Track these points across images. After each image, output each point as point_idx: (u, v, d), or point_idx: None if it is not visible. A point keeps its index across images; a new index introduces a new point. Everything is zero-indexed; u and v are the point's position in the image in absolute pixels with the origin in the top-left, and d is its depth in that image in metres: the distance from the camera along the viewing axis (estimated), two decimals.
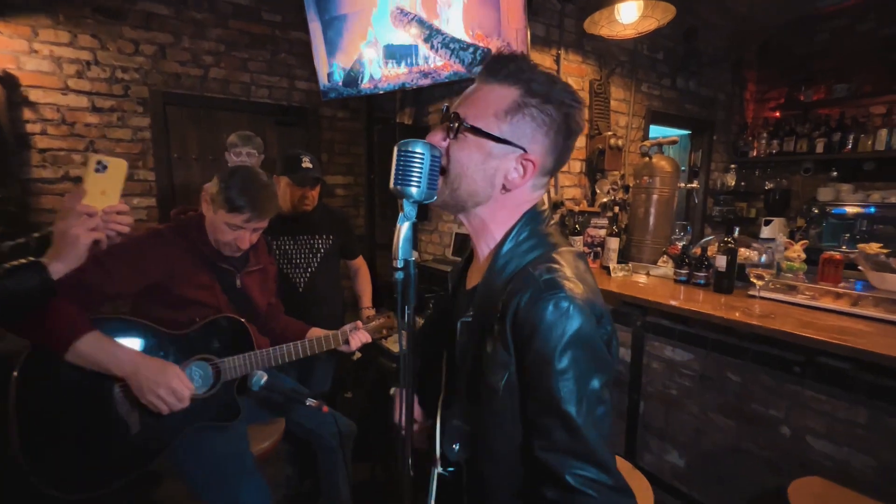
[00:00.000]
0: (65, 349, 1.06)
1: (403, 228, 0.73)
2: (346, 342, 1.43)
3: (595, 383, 0.60)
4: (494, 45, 2.19)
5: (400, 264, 0.72)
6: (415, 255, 0.73)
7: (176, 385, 1.11)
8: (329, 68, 2.80)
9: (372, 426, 2.17)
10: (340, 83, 2.78)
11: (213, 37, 2.76)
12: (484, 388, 0.67)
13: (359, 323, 1.48)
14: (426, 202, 0.73)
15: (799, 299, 1.67)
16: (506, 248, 0.70)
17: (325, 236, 1.96)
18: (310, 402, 1.15)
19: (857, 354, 1.33)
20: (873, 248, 1.50)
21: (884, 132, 3.14)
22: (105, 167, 0.85)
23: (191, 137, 2.82)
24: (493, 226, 0.74)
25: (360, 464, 1.66)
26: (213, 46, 2.77)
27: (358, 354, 2.25)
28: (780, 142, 3.66)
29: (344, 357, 2.28)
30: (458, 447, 0.72)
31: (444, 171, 0.71)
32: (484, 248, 0.76)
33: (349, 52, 2.68)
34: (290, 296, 1.85)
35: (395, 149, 0.70)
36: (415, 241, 0.76)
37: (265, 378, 1.17)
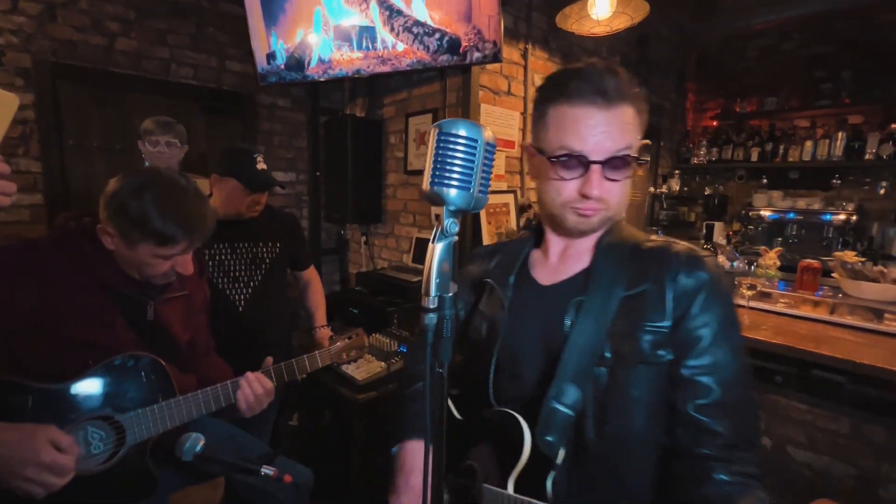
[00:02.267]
0: None
1: (437, 250, 0.50)
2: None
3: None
4: (463, 32, 1.99)
5: (432, 303, 0.50)
6: (453, 289, 0.50)
7: (48, 458, 0.77)
8: (269, 48, 2.43)
9: (325, 463, 1.88)
10: (282, 66, 2.43)
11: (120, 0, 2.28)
12: (627, 361, 0.66)
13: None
14: (470, 211, 0.50)
15: (776, 307, 1.66)
16: (615, 233, 0.74)
17: (270, 244, 1.64)
18: (265, 470, 0.86)
19: (845, 366, 1.30)
20: (849, 256, 1.51)
21: (809, 144, 3.39)
22: None
23: (91, 121, 2.30)
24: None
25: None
26: (120, 11, 2.28)
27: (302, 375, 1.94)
28: (718, 150, 3.85)
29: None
30: (553, 437, 0.65)
31: (608, 207, 0.70)
32: (582, 241, 0.76)
33: (294, 31, 2.34)
34: (226, 317, 1.51)
35: (432, 134, 0.47)
36: (454, 262, 0.52)
37: (201, 443, 0.86)
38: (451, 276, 0.49)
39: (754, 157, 3.65)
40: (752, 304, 1.65)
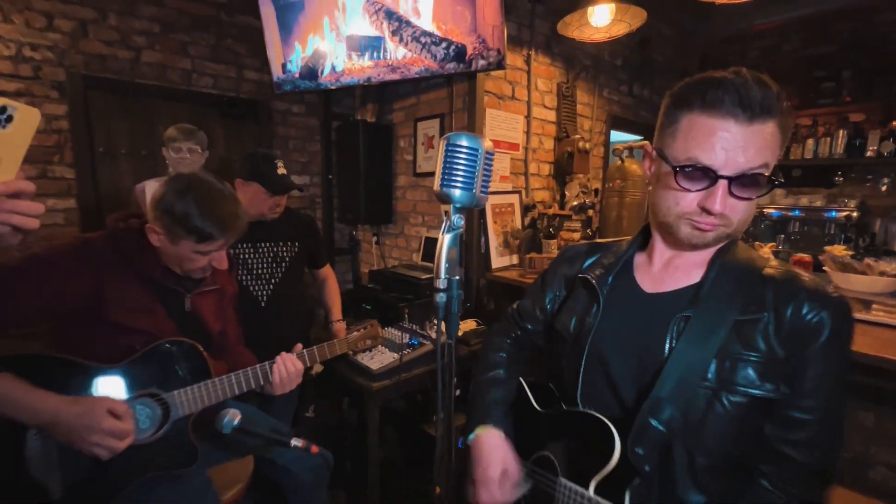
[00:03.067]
0: None
1: (446, 241, 0.60)
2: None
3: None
4: (469, 42, 2.09)
5: (442, 284, 0.60)
6: (459, 273, 0.60)
7: (108, 425, 0.89)
8: (284, 58, 2.56)
9: (341, 449, 2.00)
10: (297, 75, 2.55)
11: (145, 15, 2.42)
12: (730, 386, 0.65)
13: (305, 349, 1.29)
14: (473, 207, 0.60)
15: None
16: (730, 253, 0.72)
17: (289, 243, 1.76)
18: (295, 442, 0.97)
19: None
20: (839, 250, 1.58)
21: (810, 142, 3.44)
22: (9, 119, 0.51)
23: (119, 129, 2.45)
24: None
25: (331, 490, 1.49)
26: (146, 26, 2.42)
27: (319, 368, 2.05)
28: None
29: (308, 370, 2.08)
30: (643, 451, 0.66)
31: (729, 225, 0.67)
32: (692, 255, 0.74)
33: (308, 42, 2.47)
34: (250, 312, 1.63)
35: (442, 144, 0.57)
36: (460, 253, 0.64)
37: (238, 418, 0.98)
38: (458, 262, 0.60)
39: None
40: None
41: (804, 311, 0.64)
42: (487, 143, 0.58)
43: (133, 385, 1.00)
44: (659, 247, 0.77)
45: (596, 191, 2.67)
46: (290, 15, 2.46)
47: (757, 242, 1.88)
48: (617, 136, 3.40)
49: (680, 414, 0.65)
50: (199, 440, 1.05)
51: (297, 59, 2.52)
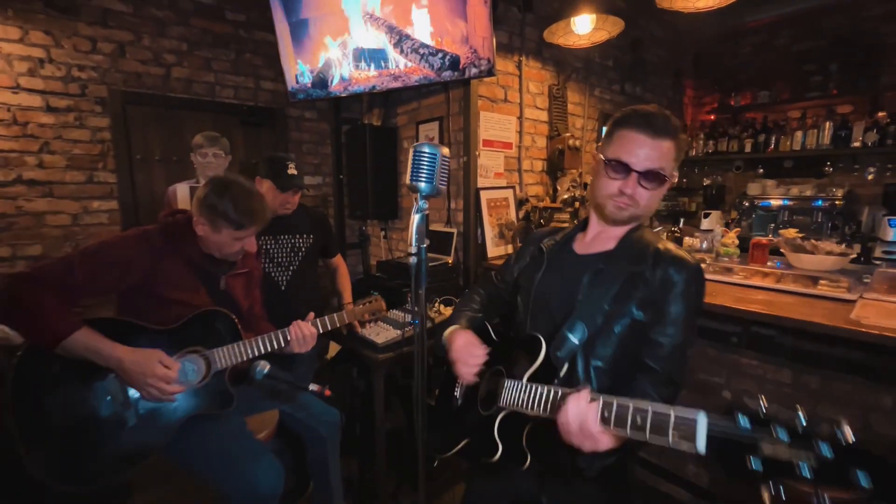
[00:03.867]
0: (54, 345, 1.09)
1: (416, 219, 0.84)
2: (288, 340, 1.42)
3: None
4: (462, 52, 2.32)
5: (414, 250, 0.83)
6: (426, 242, 0.84)
7: (160, 371, 1.16)
8: (297, 70, 2.82)
9: (357, 421, 2.24)
10: (309, 84, 2.81)
11: (174, 35, 2.71)
12: (616, 319, 0.95)
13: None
14: (434, 196, 0.84)
15: (734, 279, 1.93)
16: (639, 231, 1.03)
17: (305, 235, 2.01)
18: (312, 387, 1.22)
19: (782, 322, 1.57)
20: (791, 233, 1.76)
21: (799, 134, 3.57)
22: None
23: (153, 138, 2.75)
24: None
25: (343, 458, 1.74)
26: (174, 45, 2.71)
27: (336, 347, 2.30)
28: (714, 142, 4.05)
29: (322, 354, 2.33)
30: (562, 354, 0.95)
31: (637, 206, 0.98)
32: (614, 231, 1.04)
33: (318, 55, 2.72)
34: (272, 294, 1.88)
35: (411, 150, 0.81)
36: (426, 226, 0.89)
37: (268, 367, 1.23)
38: (424, 234, 0.84)
39: (749, 149, 3.84)
40: (712, 276, 1.92)
41: (671, 270, 0.95)
42: (444, 150, 0.82)
43: (181, 343, 1.26)
44: (592, 223, 1.09)
45: (585, 185, 2.87)
46: (302, 31, 2.72)
47: (723, 228, 2.06)
48: None
49: (587, 331, 0.95)
50: (234, 388, 1.31)
51: (309, 70, 2.78)
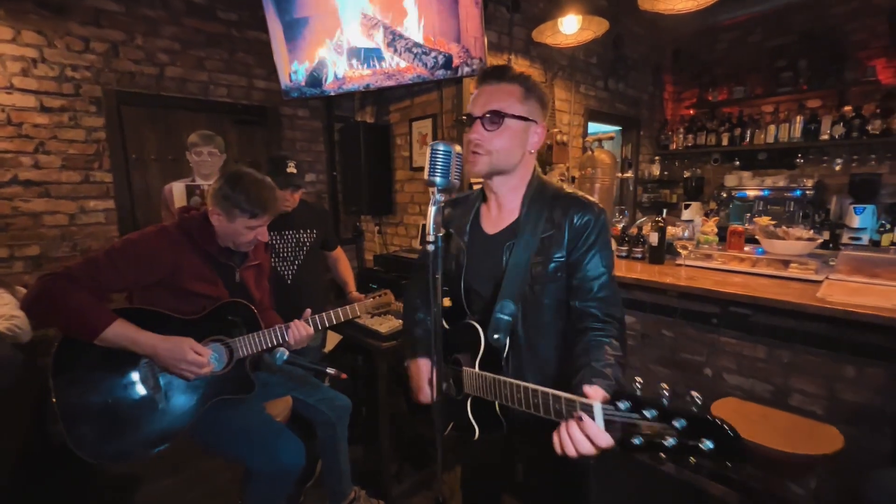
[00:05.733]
0: (93, 338, 1.16)
1: (432, 210, 0.93)
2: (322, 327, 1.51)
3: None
4: (455, 51, 2.40)
5: (431, 238, 0.93)
6: (441, 232, 0.93)
7: (192, 357, 1.25)
8: (291, 68, 2.87)
9: (362, 406, 2.33)
10: (303, 83, 2.86)
11: (167, 35, 2.72)
12: (540, 281, 1.00)
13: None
14: (449, 189, 0.93)
15: (713, 265, 2.07)
16: (536, 191, 1.04)
17: (308, 230, 2.09)
18: (330, 370, 1.30)
19: (757, 301, 1.71)
20: (764, 220, 1.91)
21: (772, 128, 3.76)
22: None
23: (148, 137, 2.77)
24: (521, 182, 1.06)
25: (350, 441, 1.83)
26: (167, 45, 2.73)
27: (338, 337, 2.38)
28: (694, 136, 4.23)
29: (321, 347, 2.40)
30: (499, 335, 1.01)
31: (488, 153, 0.99)
32: (511, 199, 1.05)
33: (312, 53, 2.77)
34: (279, 288, 1.95)
35: (428, 148, 0.90)
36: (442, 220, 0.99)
37: (287, 354, 1.31)
38: (441, 224, 0.93)
39: (726, 142, 4.02)
40: (694, 262, 2.06)
41: (575, 217, 0.99)
42: (457, 147, 0.91)
43: (206, 332, 1.33)
44: (489, 194, 1.09)
45: (573, 178, 3.00)
46: (295, 30, 2.77)
47: (703, 217, 2.21)
48: (595, 127, 3.72)
49: (517, 306, 1.00)
50: (255, 376, 1.39)
51: (303, 68, 2.82)
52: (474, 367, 1.03)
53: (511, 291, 1.01)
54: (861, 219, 3.26)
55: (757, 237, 1.97)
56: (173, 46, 2.75)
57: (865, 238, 3.18)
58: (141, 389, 1.24)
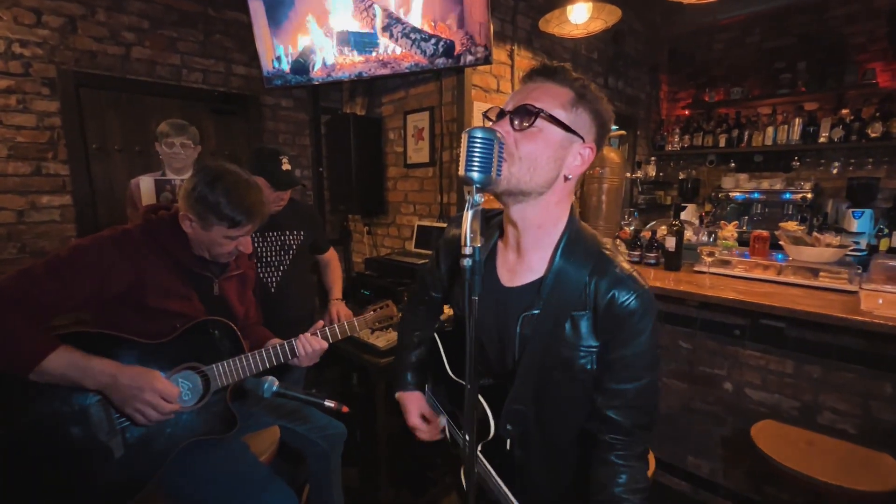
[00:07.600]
0: (28, 370, 0.92)
1: (469, 215, 0.73)
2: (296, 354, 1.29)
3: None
4: (458, 38, 2.21)
5: (468, 251, 0.73)
6: (480, 241, 0.74)
7: (160, 385, 1.02)
8: (274, 53, 2.62)
9: (356, 428, 2.12)
10: (288, 70, 2.62)
11: (133, 10, 2.43)
12: (564, 369, 0.79)
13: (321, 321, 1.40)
14: (489, 189, 0.74)
15: (734, 272, 1.94)
16: (571, 242, 0.80)
17: (295, 233, 1.86)
18: (328, 403, 1.09)
19: (794, 314, 1.58)
20: (791, 226, 1.79)
21: (770, 130, 3.71)
22: None
23: (111, 125, 2.47)
24: (549, 220, 0.80)
25: (343, 467, 1.62)
26: (134, 21, 2.44)
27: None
28: (689, 137, 4.15)
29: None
30: (510, 427, 0.84)
31: (510, 159, 0.74)
32: (534, 244, 0.81)
33: (298, 37, 2.53)
34: (262, 297, 1.72)
35: (464, 136, 0.70)
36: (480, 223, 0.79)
37: (277, 383, 1.09)
38: (479, 232, 0.73)
39: (722, 143, 3.95)
40: (714, 269, 1.93)
41: (616, 297, 0.75)
42: (500, 133, 0.71)
43: (175, 359, 1.10)
44: (508, 227, 0.84)
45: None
46: (279, 10, 2.52)
47: (723, 222, 2.08)
48: None
49: (535, 395, 0.82)
50: (237, 407, 1.16)
51: (288, 54, 2.58)
52: (477, 448, 0.85)
53: (527, 378, 0.81)
54: (859, 223, 3.22)
55: (781, 243, 1.85)
56: (141, 24, 2.46)
57: (863, 243, 3.14)
58: (92, 435, 1.00)
